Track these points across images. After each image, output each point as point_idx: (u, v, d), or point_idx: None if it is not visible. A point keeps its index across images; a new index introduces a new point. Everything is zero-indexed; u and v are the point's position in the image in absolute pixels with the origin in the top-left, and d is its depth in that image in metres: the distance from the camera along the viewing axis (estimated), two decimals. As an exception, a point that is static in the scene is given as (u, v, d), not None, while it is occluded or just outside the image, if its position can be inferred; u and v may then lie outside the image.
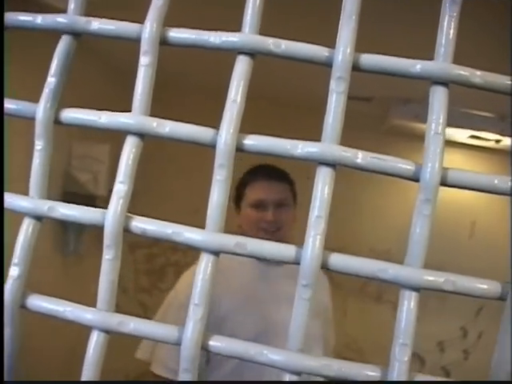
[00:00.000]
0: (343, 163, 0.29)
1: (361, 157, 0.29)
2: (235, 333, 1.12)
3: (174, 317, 1.13)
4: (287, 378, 0.29)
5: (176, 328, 0.30)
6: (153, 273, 2.67)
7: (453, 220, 2.47)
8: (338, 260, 0.29)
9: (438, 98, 0.30)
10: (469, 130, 2.11)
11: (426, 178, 0.29)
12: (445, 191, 0.30)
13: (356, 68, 0.30)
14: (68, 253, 2.16)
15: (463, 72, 0.30)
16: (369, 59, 0.30)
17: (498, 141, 2.17)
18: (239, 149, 0.30)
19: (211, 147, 0.30)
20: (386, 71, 0.30)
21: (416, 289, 0.29)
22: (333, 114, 0.30)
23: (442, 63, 0.30)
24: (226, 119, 0.30)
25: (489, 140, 2.19)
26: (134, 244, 2.57)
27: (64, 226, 2.06)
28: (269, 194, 1.27)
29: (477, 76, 0.30)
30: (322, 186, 0.29)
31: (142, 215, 0.31)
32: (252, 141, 0.30)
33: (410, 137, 2.09)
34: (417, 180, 0.29)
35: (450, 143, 2.30)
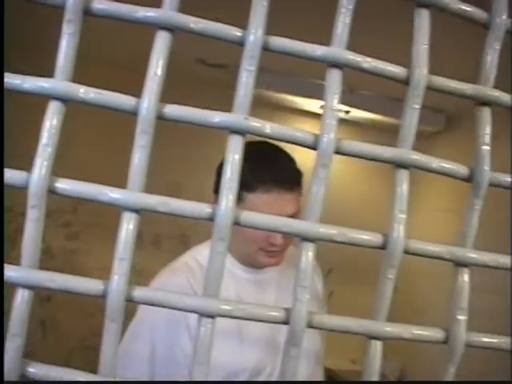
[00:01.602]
0: (252, 132, 0.33)
1: (269, 127, 0.33)
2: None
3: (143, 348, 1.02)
4: (203, 322, 0.33)
5: (101, 282, 0.33)
6: (6, 239, 2.54)
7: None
8: (248, 217, 0.33)
9: (334, 79, 0.35)
10: (320, 101, 2.29)
11: (323, 146, 0.34)
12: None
13: (266, 48, 0.34)
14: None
15: (355, 57, 0.35)
16: (277, 41, 0.34)
17: (347, 112, 2.38)
18: (160, 117, 0.33)
19: (133, 114, 0.33)
20: (292, 53, 0.35)
21: (312, 240, 0.34)
22: (243, 90, 0.33)
23: (339, 49, 0.35)
24: (147, 88, 0.33)
25: (339, 110, 2.38)
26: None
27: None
28: (281, 210, 0.99)
29: (367, 62, 0.35)
30: (233, 154, 0.33)
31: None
32: (172, 110, 0.33)
33: (264, 105, 2.17)
34: (315, 148, 0.34)
35: (304, 113, 2.46)
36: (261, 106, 2.24)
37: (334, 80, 0.35)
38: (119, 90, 0.33)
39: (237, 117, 0.33)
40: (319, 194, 0.34)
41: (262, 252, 1.07)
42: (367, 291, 1.37)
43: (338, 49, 0.35)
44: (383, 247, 0.35)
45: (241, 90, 0.33)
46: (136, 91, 0.37)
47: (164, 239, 2.69)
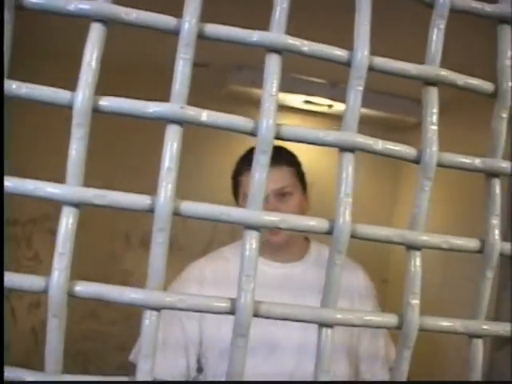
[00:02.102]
0: (189, 121, 0.33)
1: (205, 115, 0.33)
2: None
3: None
4: (147, 314, 0.33)
5: (42, 278, 0.32)
6: None
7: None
8: (189, 207, 0.33)
9: (273, 64, 0.34)
10: (303, 96, 2.27)
11: (262, 132, 0.33)
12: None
13: (201, 36, 0.34)
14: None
15: (293, 41, 0.34)
16: (213, 28, 0.34)
17: (330, 106, 2.37)
18: (95, 109, 0.33)
19: (68, 108, 0.33)
20: (229, 39, 0.34)
21: (256, 228, 0.33)
22: (179, 79, 0.33)
23: (276, 34, 0.34)
24: (82, 81, 0.32)
25: (322, 105, 2.37)
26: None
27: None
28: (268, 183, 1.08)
29: (305, 45, 0.35)
30: (172, 143, 0.33)
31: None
32: (107, 102, 0.33)
33: (248, 101, 2.16)
34: (255, 134, 0.34)
35: (287, 108, 2.44)
36: (245, 103, 2.23)
37: (272, 65, 0.34)
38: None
39: (172, 106, 0.33)
40: (261, 181, 0.33)
41: (268, 232, 1.11)
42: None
43: (275, 33, 0.34)
44: (329, 232, 0.34)
45: (177, 78, 0.33)
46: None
47: (150, 241, 2.67)
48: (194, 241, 2.41)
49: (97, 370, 1.84)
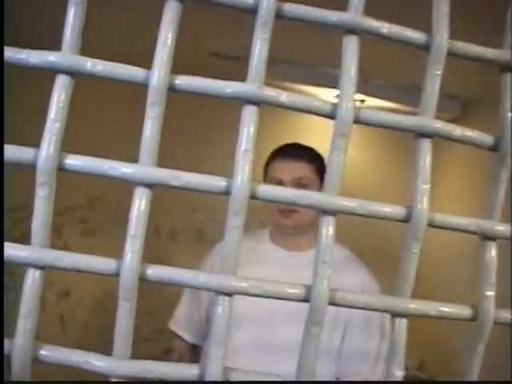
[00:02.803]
0: (268, 102, 0.32)
1: (285, 96, 0.32)
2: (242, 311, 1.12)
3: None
4: (220, 300, 0.32)
5: (114, 260, 0.31)
6: (21, 238, 2.52)
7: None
8: (267, 190, 0.32)
9: (350, 47, 0.33)
10: (335, 90, 2.28)
11: (341, 114, 0.32)
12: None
13: (279, 16, 0.33)
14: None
15: (373, 23, 0.33)
16: (290, 8, 0.33)
17: (362, 101, 2.38)
18: (171, 88, 0.32)
19: (144, 86, 0.32)
20: (308, 19, 0.33)
21: (332, 213, 0.32)
22: (256, 59, 0.32)
23: (353, 15, 0.33)
24: (157, 59, 0.31)
25: (354, 100, 2.38)
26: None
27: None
28: (284, 173, 1.20)
29: (384, 27, 0.34)
30: (248, 123, 0.32)
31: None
32: (183, 80, 0.32)
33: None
34: (333, 117, 0.33)
35: None
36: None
37: (351, 47, 0.33)
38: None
39: (250, 86, 0.32)
40: (339, 166, 0.32)
41: (279, 214, 1.21)
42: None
43: (354, 14, 0.33)
44: (407, 220, 0.33)
45: (254, 58, 0.32)
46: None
47: (180, 233, 2.67)
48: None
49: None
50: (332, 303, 0.32)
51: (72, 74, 0.32)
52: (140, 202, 0.31)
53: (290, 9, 0.33)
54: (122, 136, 1.69)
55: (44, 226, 0.31)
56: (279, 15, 0.33)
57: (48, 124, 0.31)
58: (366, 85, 2.20)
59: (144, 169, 0.31)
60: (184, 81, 0.32)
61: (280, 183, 1.19)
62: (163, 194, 2.48)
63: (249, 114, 0.32)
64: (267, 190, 0.32)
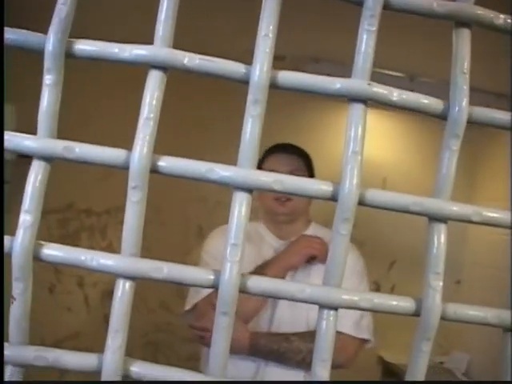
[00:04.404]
0: (377, 100, 0.29)
1: (396, 94, 0.30)
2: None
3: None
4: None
5: (212, 271, 0.29)
6: (67, 237, 2.50)
7: (366, 177, 2.56)
8: (376, 195, 0.30)
9: (462, 41, 0.31)
10: None
11: (454, 114, 0.30)
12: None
13: (388, 8, 0.30)
14: None
15: (484, 13, 0.31)
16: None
17: None
18: (273, 85, 0.29)
19: (244, 83, 0.29)
20: (414, 11, 0.31)
21: (443, 221, 0.30)
22: (364, 52, 0.30)
23: (465, 4, 0.31)
24: (259, 53, 0.29)
25: None
26: (46, 209, 2.41)
27: None
28: (279, 165, 1.29)
29: (500, 18, 0.31)
30: (356, 123, 0.29)
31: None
32: (286, 76, 0.30)
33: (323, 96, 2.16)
34: (445, 118, 0.30)
35: None
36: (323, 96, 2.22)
37: (461, 42, 0.31)
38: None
39: (359, 82, 0.29)
40: (450, 171, 0.30)
41: (275, 202, 1.30)
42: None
43: (468, 4, 0.31)
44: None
45: (361, 51, 0.30)
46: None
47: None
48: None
49: (166, 361, 1.81)
50: (443, 318, 0.30)
51: (165, 69, 0.29)
52: (240, 208, 0.29)
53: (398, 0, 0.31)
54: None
55: (135, 234, 0.29)
56: (387, 6, 0.30)
57: (141, 122, 0.29)
58: (411, 83, 2.17)
59: (244, 172, 0.29)
60: (287, 76, 0.30)
61: None
62: (207, 197, 2.44)
63: (357, 113, 0.29)
64: (375, 195, 0.30)
